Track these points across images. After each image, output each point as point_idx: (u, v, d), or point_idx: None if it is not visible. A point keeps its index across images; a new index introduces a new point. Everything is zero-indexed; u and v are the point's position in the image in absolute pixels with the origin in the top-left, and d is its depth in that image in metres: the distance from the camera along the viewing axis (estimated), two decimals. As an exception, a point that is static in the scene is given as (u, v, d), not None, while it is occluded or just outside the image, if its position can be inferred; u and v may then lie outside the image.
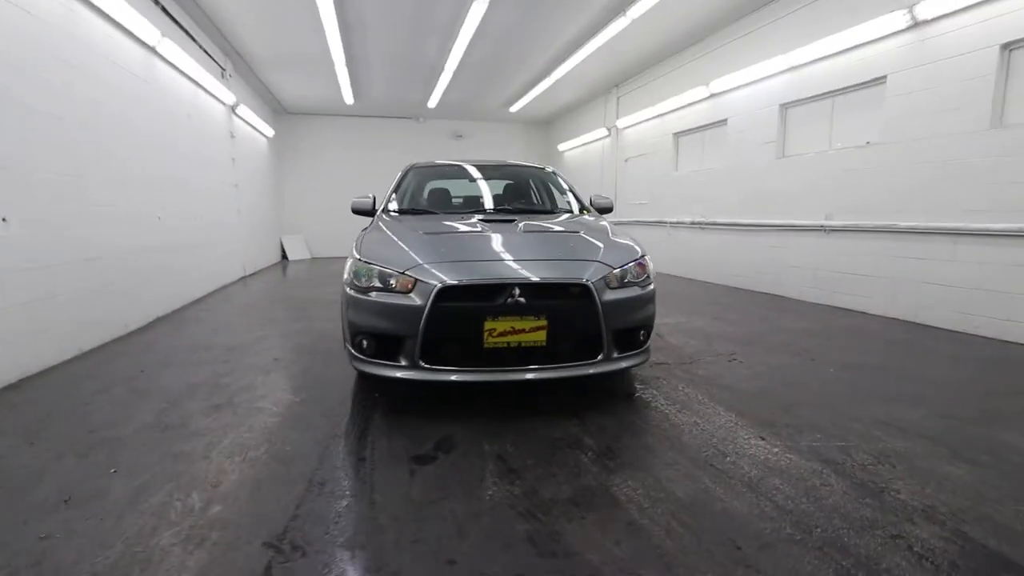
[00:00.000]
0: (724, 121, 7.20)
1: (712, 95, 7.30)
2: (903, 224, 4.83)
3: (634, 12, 6.12)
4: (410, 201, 3.98)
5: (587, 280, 2.51)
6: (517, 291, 2.40)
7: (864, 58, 5.14)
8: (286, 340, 4.34)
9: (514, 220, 3.28)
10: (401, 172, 4.28)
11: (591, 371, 2.56)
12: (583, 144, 11.71)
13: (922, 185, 4.69)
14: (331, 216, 12.58)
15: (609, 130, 10.44)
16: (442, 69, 8.48)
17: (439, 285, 2.40)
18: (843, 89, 5.45)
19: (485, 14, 6.18)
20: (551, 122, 13.77)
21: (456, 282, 2.43)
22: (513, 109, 11.71)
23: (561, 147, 12.86)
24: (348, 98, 10.51)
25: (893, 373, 3.35)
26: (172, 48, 5.47)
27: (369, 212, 3.78)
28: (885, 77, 4.97)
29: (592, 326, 2.51)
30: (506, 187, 4.34)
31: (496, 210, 3.83)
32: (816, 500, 1.84)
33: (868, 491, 1.90)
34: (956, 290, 4.45)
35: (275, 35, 7.24)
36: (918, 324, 4.70)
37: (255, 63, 8.41)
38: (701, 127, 7.78)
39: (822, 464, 2.11)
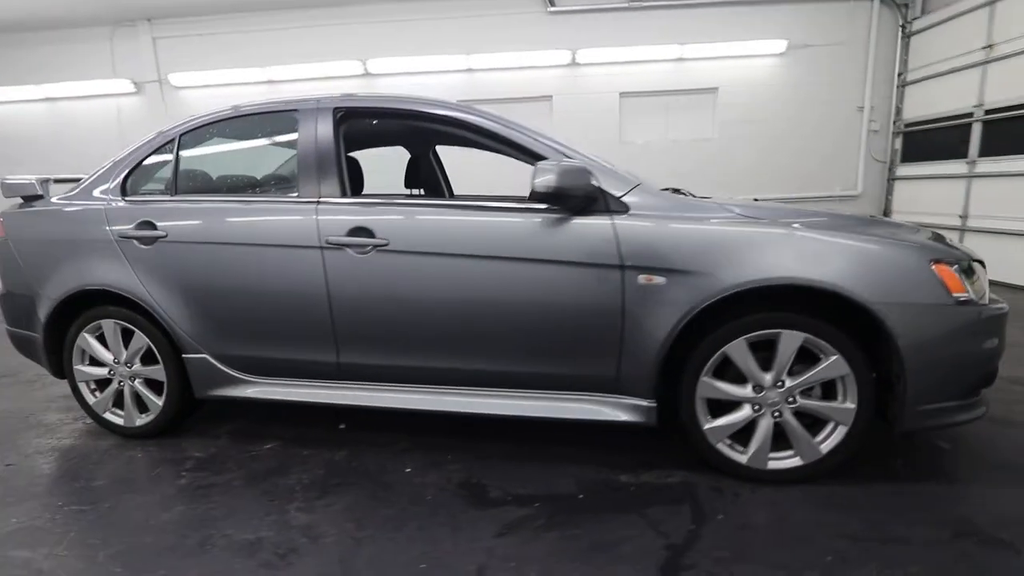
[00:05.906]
0: (385, 105, 6.93)
1: (368, 74, 6.80)
2: (579, 203, 6.93)
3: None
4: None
5: None
6: None
7: (536, 78, 6.74)
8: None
9: None
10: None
11: None
12: (61, 98, 7.16)
13: (583, 176, 6.91)
14: None
15: (139, 85, 7.05)
16: None
17: None
18: (519, 99, 6.83)
19: None
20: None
21: None
22: None
23: (-32, 94, 7.16)
24: None
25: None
26: None
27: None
28: (552, 96, 6.78)
29: None
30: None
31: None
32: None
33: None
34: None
35: None
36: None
37: None
38: (348, 107, 7.01)
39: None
